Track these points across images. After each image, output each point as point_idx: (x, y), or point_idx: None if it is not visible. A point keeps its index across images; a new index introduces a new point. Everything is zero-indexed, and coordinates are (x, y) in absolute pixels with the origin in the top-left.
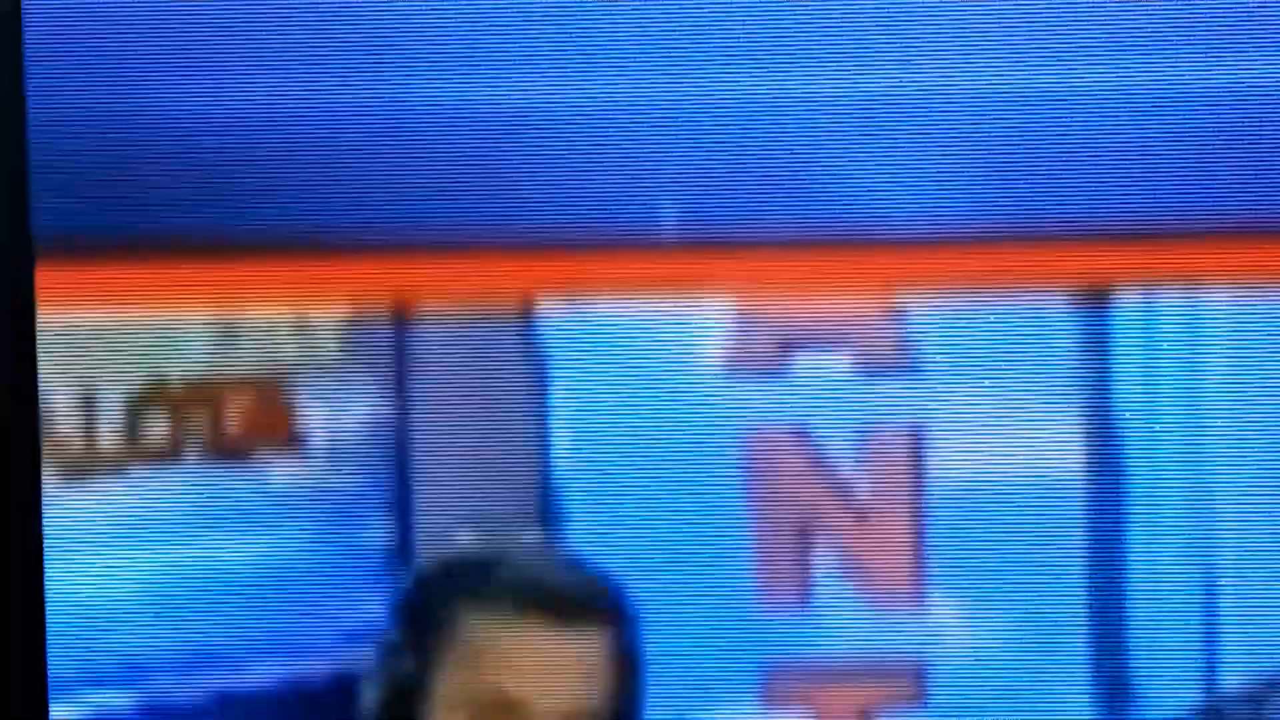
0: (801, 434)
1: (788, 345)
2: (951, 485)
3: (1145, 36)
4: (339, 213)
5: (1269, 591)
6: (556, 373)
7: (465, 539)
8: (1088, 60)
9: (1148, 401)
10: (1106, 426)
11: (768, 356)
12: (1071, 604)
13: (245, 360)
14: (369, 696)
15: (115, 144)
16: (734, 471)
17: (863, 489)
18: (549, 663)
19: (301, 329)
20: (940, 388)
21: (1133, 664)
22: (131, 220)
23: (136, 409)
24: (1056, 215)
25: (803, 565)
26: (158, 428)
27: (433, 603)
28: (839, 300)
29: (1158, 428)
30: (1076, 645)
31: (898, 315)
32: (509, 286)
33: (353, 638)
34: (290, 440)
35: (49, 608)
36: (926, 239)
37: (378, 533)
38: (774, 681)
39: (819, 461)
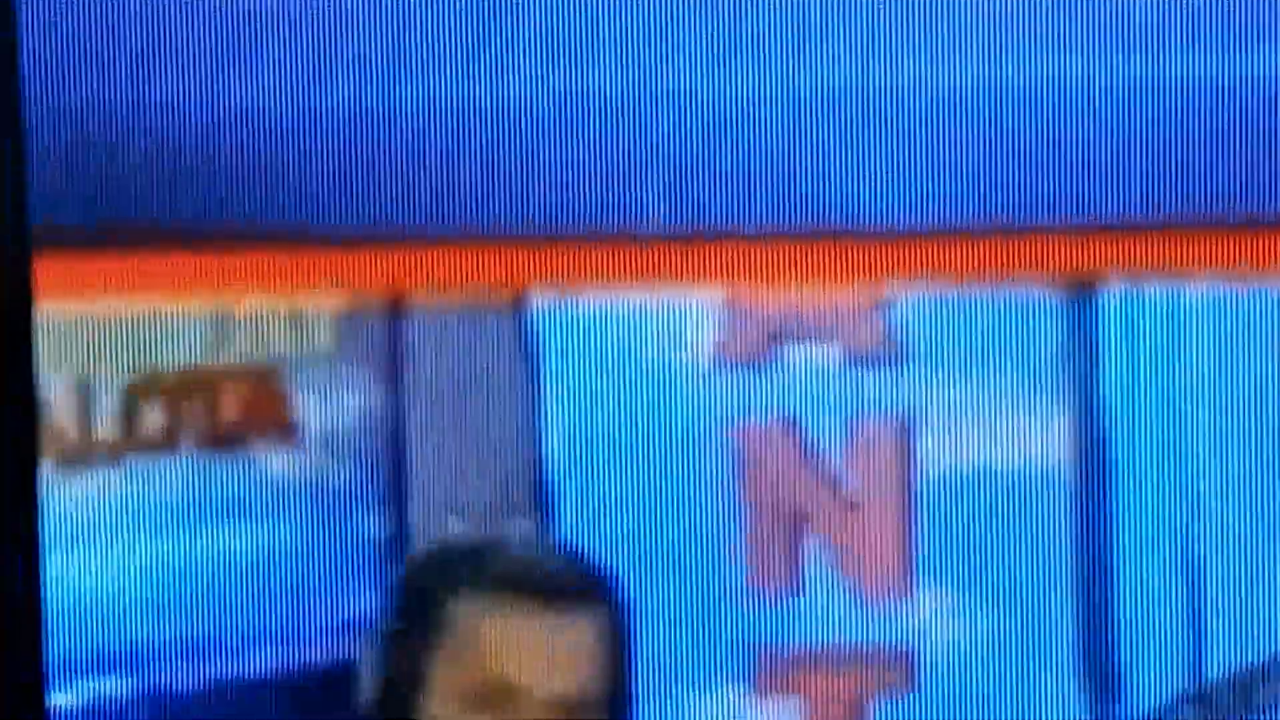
0: (790, 424)
1: (776, 336)
2: (939, 475)
3: (1131, 28)
4: (334, 205)
5: (1254, 581)
6: (548, 363)
7: (458, 528)
8: (1074, 52)
9: (1134, 391)
10: (1093, 416)
11: (757, 347)
12: (1058, 593)
13: (240, 351)
14: (365, 685)
15: (112, 136)
16: (724, 461)
17: (851, 479)
18: (542, 650)
19: (296, 320)
20: (928, 378)
21: (1120, 653)
22: (128, 212)
23: (133, 399)
24: (1043, 207)
25: (792, 554)
26: (154, 418)
27: (427, 591)
28: (827, 291)
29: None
30: (1064, 634)
31: (885, 306)
32: (501, 278)
33: (348, 626)
34: (285, 431)
35: (46, 596)
36: (914, 231)
37: (372, 522)
38: (764, 669)
39: (808, 451)
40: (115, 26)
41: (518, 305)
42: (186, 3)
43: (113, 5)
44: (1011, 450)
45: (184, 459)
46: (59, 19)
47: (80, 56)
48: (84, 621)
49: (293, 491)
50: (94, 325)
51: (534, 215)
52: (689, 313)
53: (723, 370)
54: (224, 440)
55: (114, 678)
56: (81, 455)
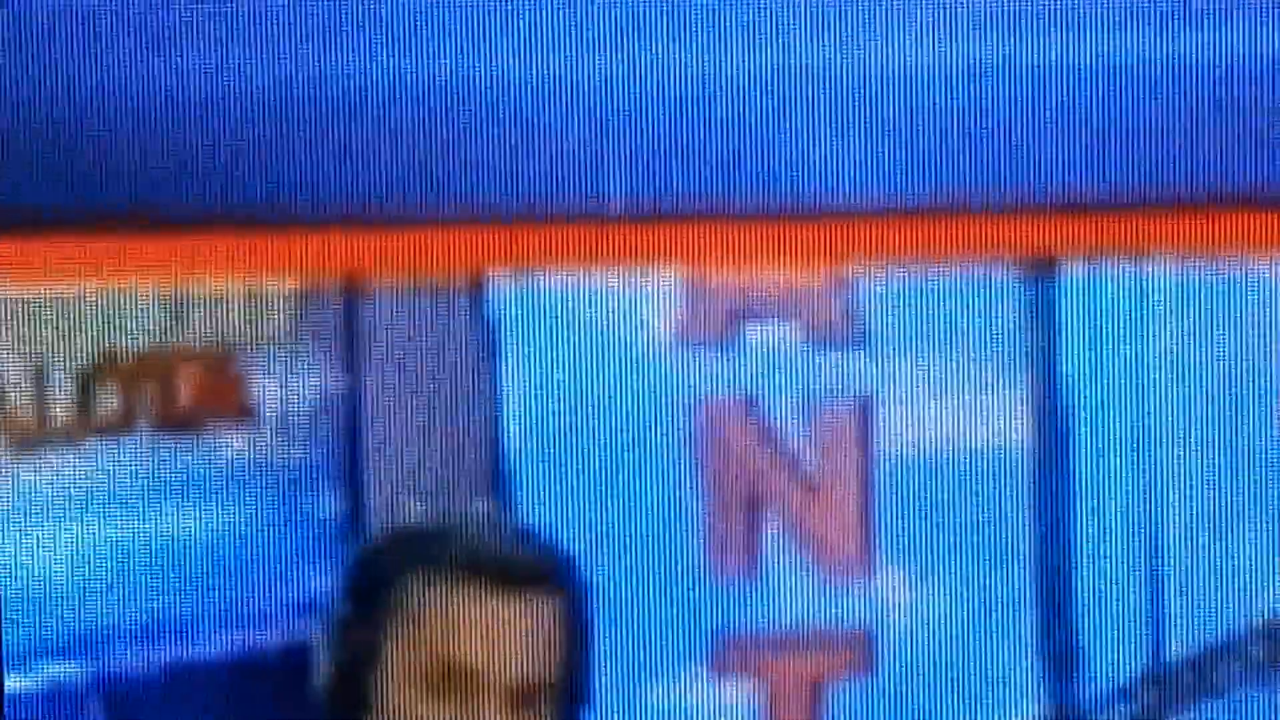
0: (751, 405)
1: (736, 316)
2: (899, 455)
3: (1092, 7)
4: (289, 187)
5: (1214, 560)
6: (506, 345)
7: (416, 510)
8: (1032, 31)
9: (1094, 372)
10: (1053, 396)
11: (717, 327)
12: (1019, 573)
13: (197, 333)
14: (320, 667)
15: (65, 118)
16: (683, 442)
17: (812, 459)
18: (499, 633)
19: (252, 302)
20: (888, 358)
21: (1079, 633)
22: (81, 194)
23: (87, 382)
24: (1002, 186)
25: (752, 535)
26: (108, 400)
27: (384, 573)
28: (788, 271)
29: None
30: (1024, 614)
31: (846, 287)
32: (458, 260)
33: (305, 609)
34: (242, 413)
35: (1, 579)
36: (874, 211)
37: (328, 504)
38: (724, 651)
39: (768, 432)
40: (69, 7)
41: (476, 286)
42: None
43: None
44: (972, 430)
45: (140, 441)
46: (13, 2)
47: (33, 38)
48: (39, 604)
49: (249, 473)
50: (49, 307)
51: (492, 195)
52: (648, 292)
53: (682, 350)
54: (180, 423)
55: (69, 660)
56: (37, 438)
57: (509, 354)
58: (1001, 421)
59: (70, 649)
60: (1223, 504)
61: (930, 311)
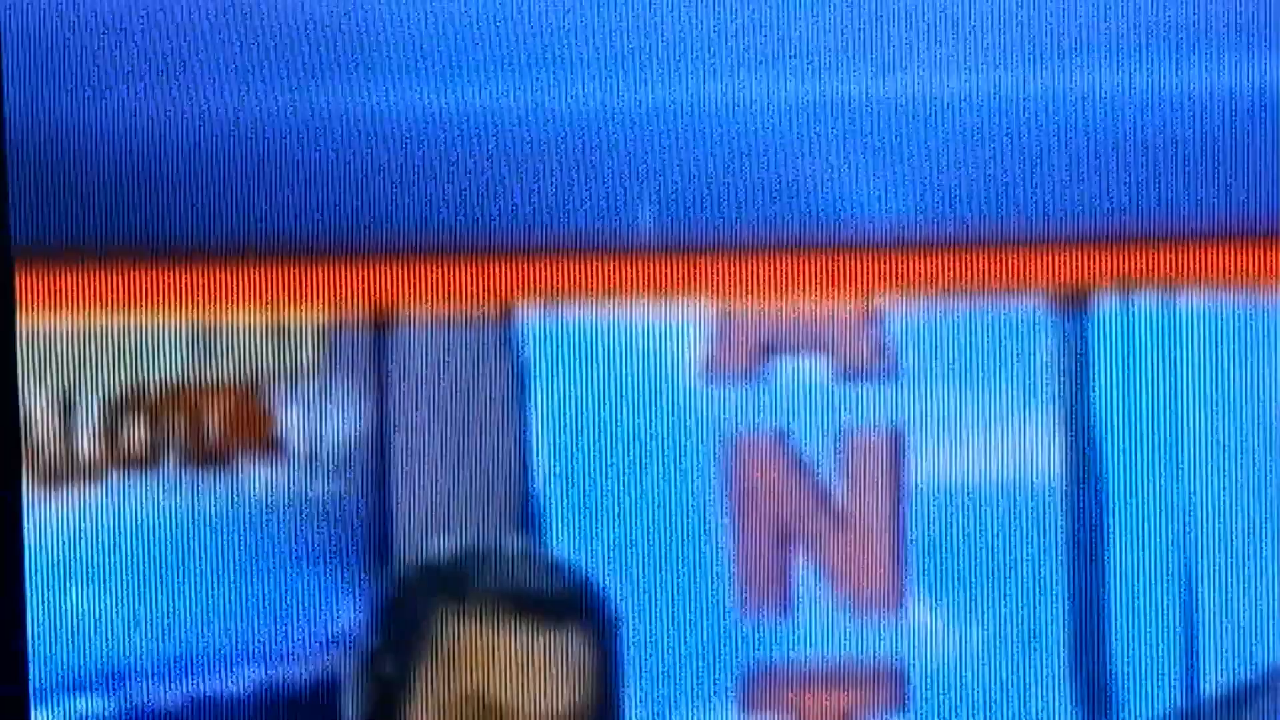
0: (781, 438)
1: (767, 349)
2: (931, 489)
3: (1122, 39)
4: (318, 218)
5: (1248, 596)
6: (536, 377)
7: (445, 543)
8: (1068, 64)
9: (1126, 404)
10: (1085, 429)
11: (747, 360)
12: (1051, 608)
13: (225, 367)
14: (349, 702)
15: (94, 151)
16: (714, 476)
17: (842, 493)
18: (529, 667)
19: (281, 335)
20: (919, 392)
21: (1113, 668)
22: (108, 227)
23: (114, 415)
24: (1035, 219)
25: (783, 570)
26: (137, 434)
27: (414, 608)
28: (819, 304)
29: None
30: (1057, 650)
31: (877, 319)
32: (488, 292)
33: (334, 644)
34: (269, 447)
35: (28, 614)
36: (906, 243)
37: (358, 538)
38: (754, 686)
39: (799, 465)
40: (97, 43)
41: (506, 318)
42: (167, 19)
43: (95, 22)
44: (1004, 464)
45: (168, 475)
46: (41, 36)
47: (62, 72)
48: (66, 638)
49: (277, 508)
50: (77, 340)
51: (523, 227)
52: (679, 325)
53: (713, 384)
54: (208, 456)
55: (96, 695)
56: (64, 472)
57: (539, 386)
58: (1034, 455)
59: (96, 684)
60: (1256, 538)
61: (962, 344)
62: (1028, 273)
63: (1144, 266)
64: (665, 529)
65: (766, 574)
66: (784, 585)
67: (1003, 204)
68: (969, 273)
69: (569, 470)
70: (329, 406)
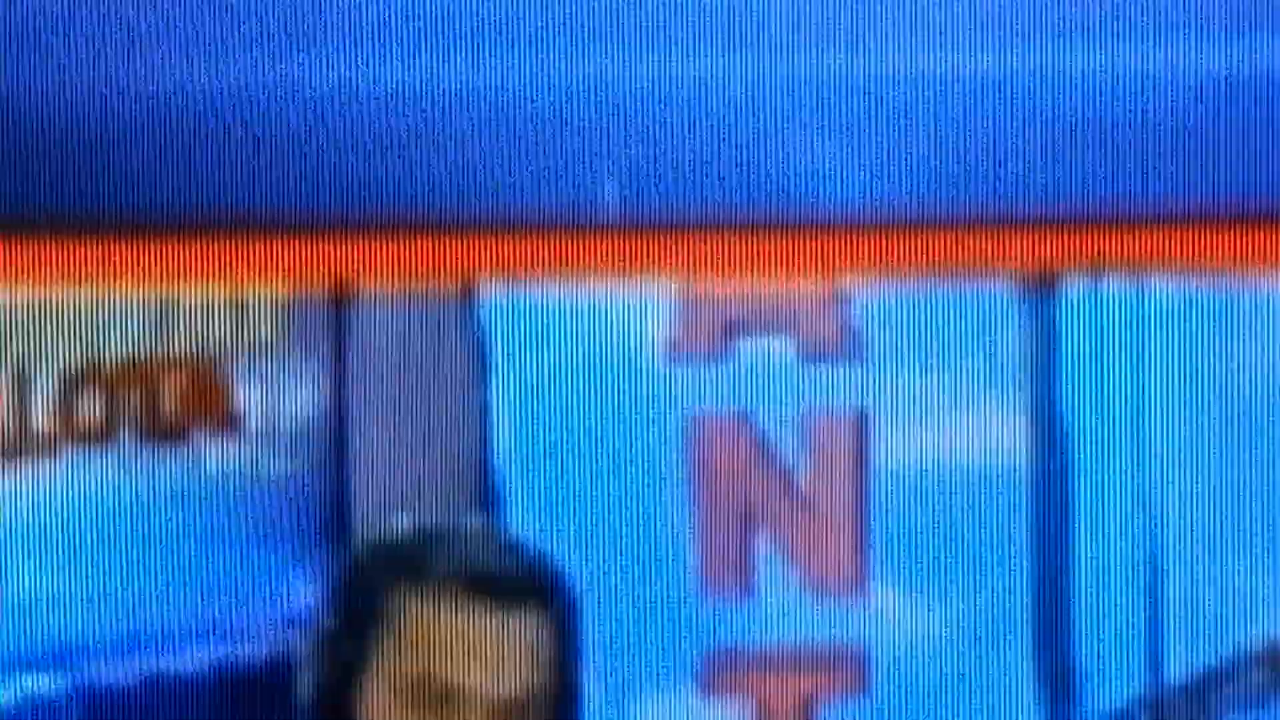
0: (745, 419)
1: (732, 330)
2: (896, 472)
3: (1095, 19)
4: (279, 192)
5: (1213, 582)
6: (497, 356)
7: (403, 522)
8: (1037, 45)
9: (1093, 389)
10: (1052, 413)
11: (711, 341)
12: (1015, 592)
13: (181, 341)
14: (303, 681)
15: (51, 122)
16: (676, 457)
17: (806, 474)
18: (487, 649)
19: (239, 310)
20: (885, 374)
21: (1076, 654)
22: (65, 199)
23: (71, 390)
24: (1003, 201)
25: (745, 552)
26: (93, 409)
27: (370, 587)
28: (784, 284)
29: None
30: (1020, 634)
31: (843, 300)
32: (449, 269)
33: (289, 622)
34: (226, 422)
35: None
36: (873, 224)
37: (315, 516)
38: (715, 669)
39: (762, 447)
40: (53, 12)
41: (467, 295)
42: None
43: None
44: (969, 448)
45: (123, 451)
46: None
47: (14, 41)
48: (19, 616)
49: (233, 484)
50: (32, 314)
51: (484, 203)
52: (642, 305)
53: (676, 364)
54: (164, 432)
55: (49, 673)
56: (17, 446)
57: (499, 365)
58: (999, 438)
59: (51, 661)
60: (1222, 524)
61: (928, 326)
62: (996, 255)
63: (1112, 250)
64: (626, 510)
65: (728, 556)
66: (746, 568)
67: (971, 186)
68: (936, 254)
69: (529, 450)
70: (287, 383)
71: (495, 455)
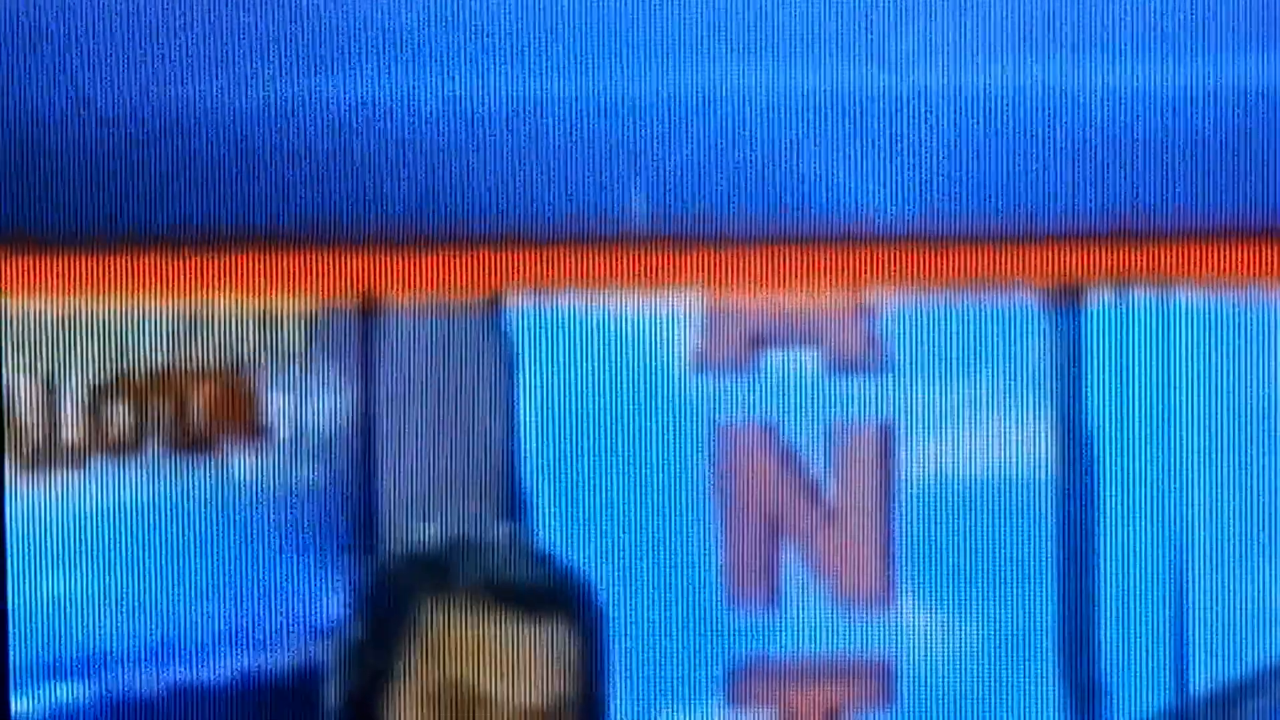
0: (771, 431)
1: (758, 341)
2: (922, 483)
3: (1120, 33)
4: (307, 204)
5: (1241, 595)
6: (524, 367)
7: (431, 532)
8: (1061, 57)
9: (1119, 401)
10: (1078, 425)
11: (737, 352)
12: (1041, 604)
13: (210, 351)
14: (331, 690)
15: (80, 136)
16: (703, 468)
17: (832, 486)
18: (514, 657)
19: (267, 320)
20: (911, 385)
21: (1102, 666)
22: (94, 210)
23: (98, 400)
24: (1029, 212)
25: (771, 563)
26: (121, 419)
27: (397, 596)
28: (810, 296)
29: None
30: (1046, 647)
31: (869, 312)
32: (476, 280)
33: (317, 632)
34: (254, 432)
35: (9, 599)
36: (899, 236)
37: (342, 525)
38: (741, 680)
39: (788, 458)
40: (81, 23)
41: (494, 307)
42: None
43: (81, 7)
44: (995, 459)
45: (151, 460)
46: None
47: (43, 53)
48: (47, 624)
49: (262, 494)
50: (62, 324)
51: (511, 215)
52: (668, 316)
53: (703, 375)
54: (193, 442)
55: (77, 682)
56: (47, 455)
57: (526, 376)
58: (1025, 450)
59: (78, 670)
60: (1249, 537)
61: (954, 338)
62: (1021, 267)
63: (1139, 262)
64: (653, 521)
65: (755, 567)
66: (772, 579)
67: (997, 197)
68: (961, 266)
69: (556, 461)
70: (315, 393)
71: (522, 466)
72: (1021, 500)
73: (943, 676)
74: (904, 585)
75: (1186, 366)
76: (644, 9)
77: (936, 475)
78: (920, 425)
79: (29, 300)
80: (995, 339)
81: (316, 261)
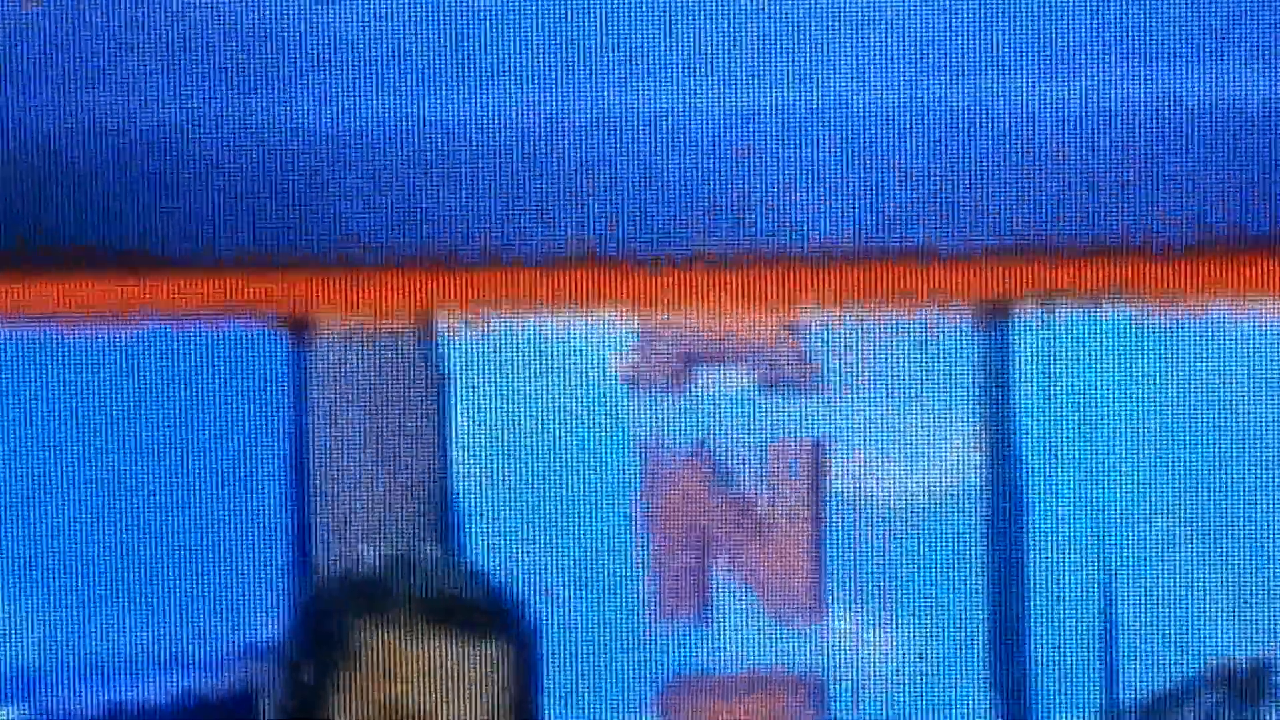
0: (703, 448)
1: (689, 360)
2: (852, 499)
3: (1049, 54)
4: (240, 228)
5: (1167, 605)
6: (456, 387)
7: (364, 552)
8: (991, 78)
9: (1046, 415)
10: (1006, 440)
11: (668, 371)
12: (972, 616)
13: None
14: (268, 710)
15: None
16: (635, 486)
17: (764, 503)
18: (448, 677)
19: (201, 344)
20: (842, 403)
21: (1033, 676)
22: (25, 233)
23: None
24: (957, 231)
25: (702, 579)
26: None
27: (331, 616)
28: (741, 315)
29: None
30: (977, 658)
31: (799, 330)
32: (408, 302)
33: (250, 651)
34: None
35: None
36: (829, 255)
37: (275, 546)
38: (673, 694)
39: (719, 476)
40: (33, 48)
41: (425, 327)
42: (108, 26)
43: (35, 27)
44: (925, 474)
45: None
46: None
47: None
48: None
49: (197, 515)
50: None
51: (442, 237)
52: (601, 336)
53: (635, 394)
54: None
55: (10, 705)
56: None
57: (458, 396)
58: (955, 465)
59: (12, 692)
60: (1176, 547)
61: (884, 355)
62: (950, 284)
63: (1064, 278)
64: (585, 539)
65: (686, 583)
66: (703, 595)
67: (925, 216)
68: (891, 284)
69: (489, 480)
70: (249, 415)
71: (455, 485)
72: (951, 514)
73: (873, 689)
74: (835, 600)
75: (1113, 381)
76: (578, 34)
77: (867, 491)
78: (851, 442)
79: None
80: (924, 356)
81: (247, 284)
